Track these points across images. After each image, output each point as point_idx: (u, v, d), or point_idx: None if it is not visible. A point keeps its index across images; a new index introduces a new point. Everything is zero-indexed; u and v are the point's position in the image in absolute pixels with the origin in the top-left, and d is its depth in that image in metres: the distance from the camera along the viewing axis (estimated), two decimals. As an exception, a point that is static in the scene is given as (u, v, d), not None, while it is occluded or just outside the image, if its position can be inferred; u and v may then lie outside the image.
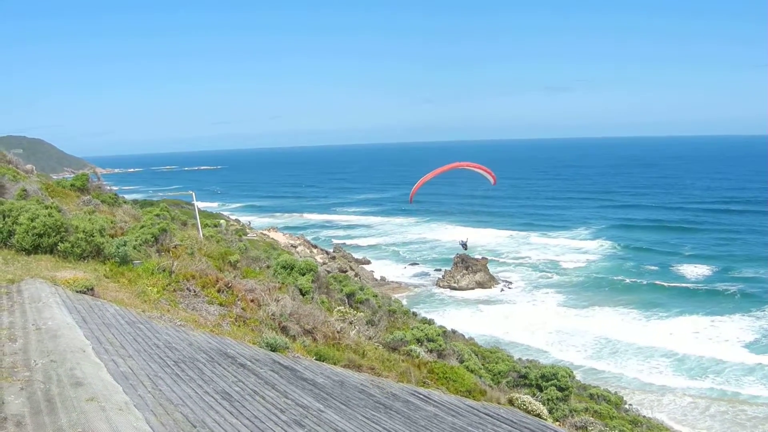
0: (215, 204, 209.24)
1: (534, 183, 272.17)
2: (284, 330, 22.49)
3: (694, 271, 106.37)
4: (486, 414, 20.73)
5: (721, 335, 75.32)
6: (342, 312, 29.00)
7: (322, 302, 30.53)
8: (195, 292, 22.57)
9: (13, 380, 10.14)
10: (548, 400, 31.63)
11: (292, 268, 32.78)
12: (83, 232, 23.33)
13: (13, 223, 23.03)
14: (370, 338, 27.41)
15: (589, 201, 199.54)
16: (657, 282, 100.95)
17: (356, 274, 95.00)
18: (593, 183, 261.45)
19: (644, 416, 41.93)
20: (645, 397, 59.88)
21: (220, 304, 22.38)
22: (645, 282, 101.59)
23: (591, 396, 39.80)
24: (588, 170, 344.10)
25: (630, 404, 45.82)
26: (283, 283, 29.28)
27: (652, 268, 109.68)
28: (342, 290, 37.64)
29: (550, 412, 27.43)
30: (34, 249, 22.73)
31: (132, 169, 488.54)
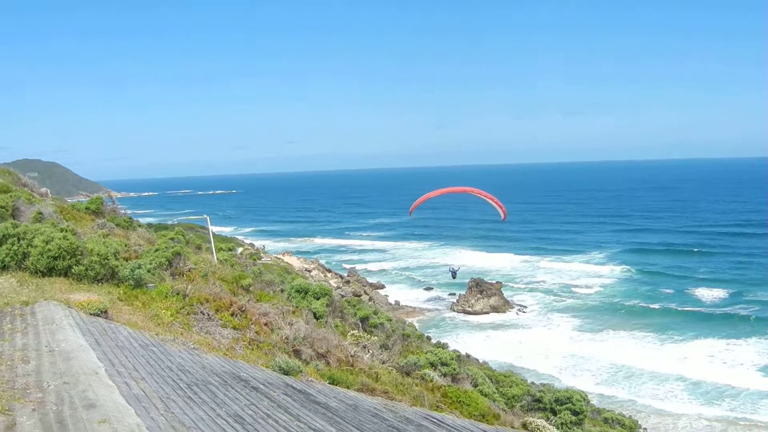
0: (229, 228, 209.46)
1: (548, 207, 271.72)
2: (297, 354, 22.48)
3: (709, 295, 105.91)
4: (500, 438, 20.65)
5: (736, 359, 74.97)
6: (356, 336, 28.98)
7: (336, 326, 30.53)
8: (209, 315, 22.58)
9: (26, 401, 10.14)
10: (562, 424, 31.54)
11: (306, 292, 32.81)
12: (98, 255, 23.37)
13: (27, 246, 23.08)
14: (383, 362, 27.38)
15: (603, 225, 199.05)
16: (671, 306, 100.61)
17: (370, 299, 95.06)
18: (607, 206, 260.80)
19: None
20: (660, 421, 59.54)
21: (234, 328, 22.37)
22: (659, 306, 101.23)
23: (605, 420, 39.66)
24: (601, 194, 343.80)
25: (644, 428, 45.58)
26: (297, 307, 29.29)
27: (667, 291, 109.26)
28: (356, 314, 37.64)
29: (564, 436, 27.35)
30: (49, 271, 22.76)
31: (147, 193, 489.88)
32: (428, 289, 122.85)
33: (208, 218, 52.86)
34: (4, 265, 22.73)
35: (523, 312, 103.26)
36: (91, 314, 17.99)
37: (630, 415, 46.16)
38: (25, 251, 23.03)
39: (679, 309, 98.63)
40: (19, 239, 23.25)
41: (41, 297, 18.95)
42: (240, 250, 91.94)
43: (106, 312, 18.59)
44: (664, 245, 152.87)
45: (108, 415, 9.71)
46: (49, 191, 49.51)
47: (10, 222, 25.23)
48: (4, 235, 23.25)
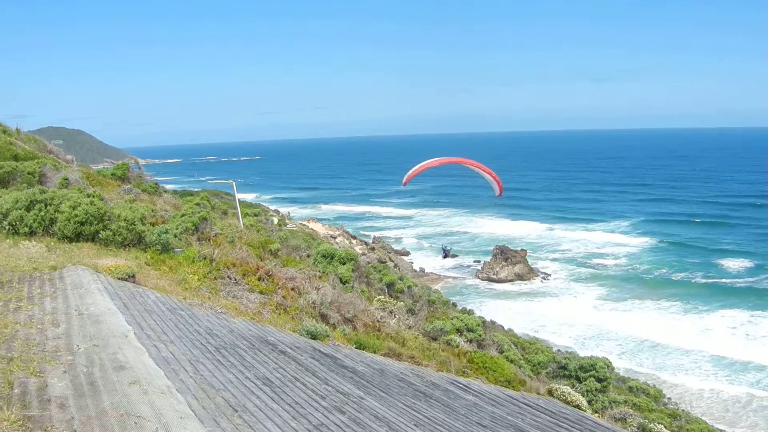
0: (253, 195, 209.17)
1: (572, 175, 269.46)
2: (324, 318, 22.54)
3: (734, 267, 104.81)
4: (525, 404, 20.67)
5: (761, 331, 74.46)
6: (382, 301, 29.02)
7: (362, 291, 30.53)
8: (235, 280, 22.66)
9: (56, 364, 10.21)
10: (587, 391, 31.49)
11: (332, 257, 32.83)
12: (125, 220, 23.47)
13: (55, 212, 23.20)
14: (410, 327, 27.41)
15: (627, 194, 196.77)
16: (696, 276, 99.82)
17: (395, 265, 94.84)
18: (631, 175, 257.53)
19: (683, 410, 41.59)
20: (684, 391, 59.38)
21: (261, 292, 22.44)
22: (684, 276, 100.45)
23: (630, 389, 39.55)
24: (626, 162, 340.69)
25: (669, 398, 45.44)
26: (323, 272, 29.32)
27: (691, 262, 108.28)
28: (382, 280, 37.61)
29: (589, 403, 27.31)
30: (76, 237, 22.89)
31: (171, 160, 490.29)
32: (453, 256, 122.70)
33: (234, 183, 52.78)
34: (32, 231, 22.88)
35: (548, 280, 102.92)
36: (118, 279, 18.08)
37: (654, 385, 45.97)
38: (53, 217, 23.16)
39: (703, 280, 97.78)
40: (46, 205, 23.39)
41: (69, 262, 19.06)
42: (276, 220, 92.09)
43: (133, 276, 18.68)
44: (687, 215, 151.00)
45: (138, 377, 9.77)
46: (74, 158, 49.64)
47: (38, 188, 25.36)
48: (31, 201, 23.38)
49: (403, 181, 42.32)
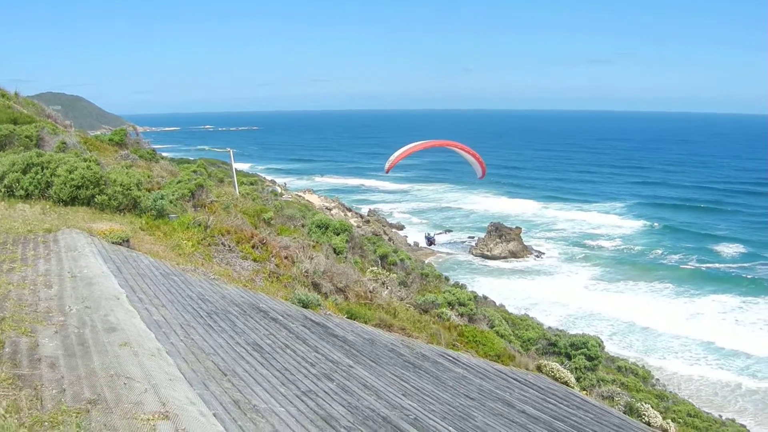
0: (249, 165, 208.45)
1: (570, 155, 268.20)
2: (317, 287, 22.63)
3: (728, 252, 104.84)
4: (514, 379, 20.82)
5: (750, 317, 74.63)
6: (375, 272, 29.11)
7: (356, 262, 30.63)
8: (229, 247, 22.73)
9: (48, 324, 10.26)
10: (576, 368, 31.66)
11: (326, 228, 32.91)
12: (120, 185, 23.49)
13: (51, 175, 23.19)
14: (401, 299, 27.51)
15: (623, 176, 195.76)
16: (690, 261, 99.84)
17: (390, 239, 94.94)
18: (628, 158, 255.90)
19: (671, 392, 41.78)
20: (673, 374, 59.56)
21: (254, 260, 22.52)
22: (677, 260, 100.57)
23: (619, 368, 39.76)
24: (624, 144, 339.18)
25: (657, 379, 45.61)
26: (317, 242, 29.41)
27: (685, 246, 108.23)
28: (375, 251, 37.71)
29: (577, 380, 27.48)
30: (72, 201, 22.90)
31: (169, 128, 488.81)
32: (447, 231, 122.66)
33: (231, 152, 52.79)
34: (28, 194, 22.87)
35: (541, 259, 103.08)
36: (113, 243, 18.11)
37: (643, 366, 46.10)
38: (49, 180, 23.15)
39: (697, 265, 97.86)
40: (42, 168, 23.37)
41: (64, 225, 19.08)
42: (279, 190, 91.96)
43: (128, 241, 18.72)
44: (682, 200, 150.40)
45: (129, 339, 9.83)
46: (72, 124, 49.63)
47: (35, 151, 25.33)
48: (28, 164, 23.37)
49: (386, 167, 41.22)
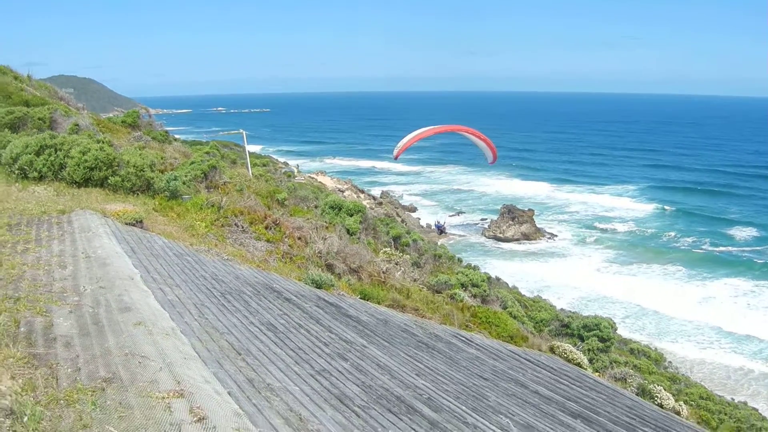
0: (260, 147, 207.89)
1: (582, 138, 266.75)
2: (330, 268, 22.65)
3: (740, 236, 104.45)
4: (527, 360, 20.82)
5: (763, 301, 74.32)
6: (388, 253, 29.13)
7: (369, 243, 30.64)
8: (243, 228, 22.75)
9: (63, 304, 10.29)
10: (589, 350, 31.66)
11: (340, 209, 32.91)
12: (134, 166, 23.54)
13: (64, 157, 23.25)
14: (414, 280, 27.52)
15: (636, 159, 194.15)
16: (702, 244, 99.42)
17: (402, 221, 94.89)
18: (641, 141, 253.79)
19: (683, 375, 41.68)
20: (685, 357, 59.43)
21: (268, 241, 22.55)
22: (689, 244, 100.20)
23: (631, 350, 39.71)
24: (636, 126, 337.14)
25: (669, 362, 45.53)
26: (330, 223, 29.42)
27: (698, 230, 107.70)
28: (389, 233, 37.70)
29: (590, 362, 27.47)
30: (85, 182, 22.97)
31: (181, 111, 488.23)
32: (460, 213, 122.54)
33: (244, 133, 52.70)
34: (42, 176, 22.95)
35: (554, 241, 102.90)
36: (126, 224, 18.16)
37: (656, 348, 46.01)
38: (62, 162, 23.22)
39: (710, 248, 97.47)
40: (56, 150, 23.44)
41: (77, 206, 19.14)
42: (294, 170, 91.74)
43: (141, 222, 18.77)
44: (695, 183, 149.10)
45: (143, 318, 9.85)
46: (84, 106, 49.66)
47: (48, 133, 25.41)
48: (41, 146, 23.43)
49: (395, 153, 40.41)
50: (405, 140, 38.42)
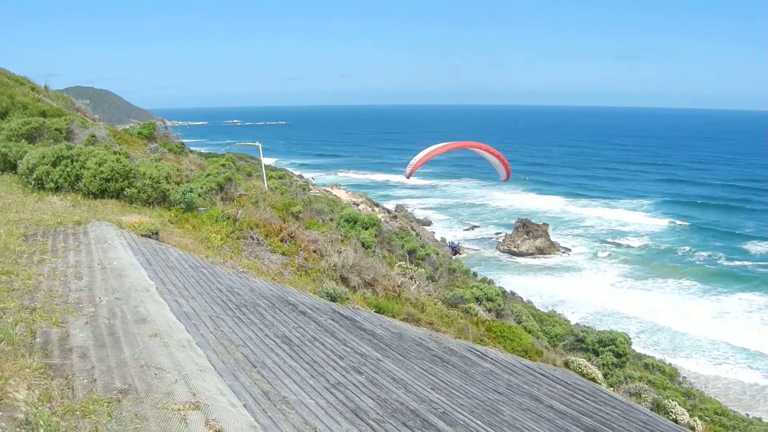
0: (275, 159, 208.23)
1: (596, 151, 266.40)
2: (345, 281, 22.65)
3: (755, 251, 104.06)
4: (541, 374, 20.78)
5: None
6: (403, 267, 29.13)
7: (384, 257, 30.67)
8: (258, 240, 22.79)
9: (79, 315, 10.32)
10: (604, 365, 31.62)
11: (355, 222, 32.97)
12: (150, 178, 23.59)
13: (81, 168, 23.30)
14: (429, 294, 27.52)
15: (651, 174, 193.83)
16: (717, 259, 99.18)
17: (417, 234, 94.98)
18: (655, 155, 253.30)
19: (697, 390, 41.59)
20: (700, 372, 59.30)
21: (283, 254, 22.59)
22: (704, 259, 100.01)
23: (646, 366, 39.64)
24: (651, 140, 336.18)
25: (684, 377, 45.43)
26: (345, 236, 29.45)
27: (713, 244, 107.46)
28: (403, 246, 37.71)
29: (605, 377, 27.42)
30: (101, 193, 23.02)
31: (197, 123, 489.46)
32: (474, 227, 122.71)
33: (260, 145, 52.81)
34: (58, 186, 23.00)
35: (569, 255, 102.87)
36: (142, 235, 18.21)
37: (670, 363, 45.93)
38: (78, 173, 23.27)
39: (725, 263, 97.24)
40: (72, 161, 23.49)
41: (93, 217, 19.19)
42: (312, 181, 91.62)
43: (157, 233, 18.81)
44: (710, 198, 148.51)
45: (159, 330, 9.87)
46: (101, 117, 49.84)
47: (65, 144, 25.48)
48: (58, 157, 23.49)
49: (407, 173, 39.47)
50: (417, 159, 37.70)
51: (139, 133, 43.81)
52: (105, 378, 7.75)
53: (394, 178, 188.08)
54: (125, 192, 23.14)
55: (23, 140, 28.18)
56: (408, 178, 39.80)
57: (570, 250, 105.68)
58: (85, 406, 6.84)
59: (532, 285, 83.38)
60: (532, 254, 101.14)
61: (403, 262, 31.31)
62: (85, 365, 8.14)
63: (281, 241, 23.44)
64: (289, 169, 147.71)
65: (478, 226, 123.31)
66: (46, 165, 23.20)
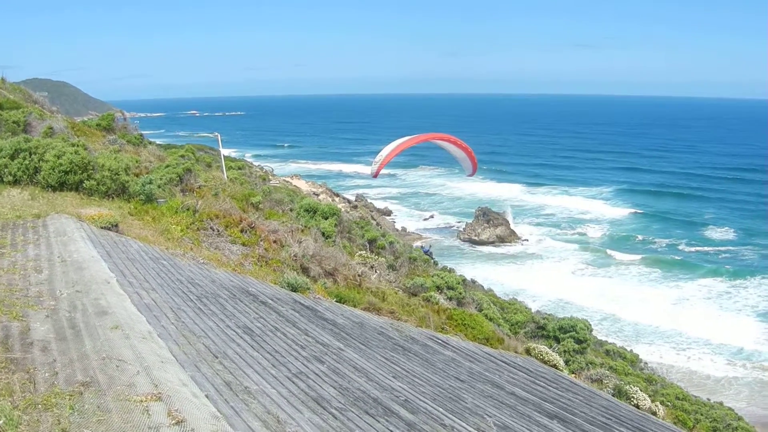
0: (233, 150, 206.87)
1: (557, 140, 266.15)
2: (305, 271, 22.67)
3: (714, 238, 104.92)
4: (503, 361, 20.89)
5: (738, 304, 74.97)
6: (363, 256, 29.15)
7: (344, 246, 30.64)
8: (218, 231, 22.76)
9: (39, 308, 10.30)
10: (565, 351, 31.75)
11: (315, 212, 32.90)
12: (109, 170, 23.47)
13: (39, 160, 23.16)
14: (390, 283, 27.57)
15: (609, 162, 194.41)
16: (676, 247, 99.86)
17: (377, 224, 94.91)
18: (614, 143, 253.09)
19: (659, 375, 41.90)
20: (661, 357, 59.80)
21: (243, 244, 22.57)
22: (664, 246, 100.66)
23: (607, 352, 39.86)
24: (611, 128, 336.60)
25: (645, 363, 45.75)
26: (306, 226, 29.42)
27: (672, 232, 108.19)
28: (364, 236, 37.63)
29: (566, 363, 27.56)
30: (60, 186, 22.89)
31: (155, 114, 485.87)
32: (435, 216, 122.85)
33: (218, 136, 52.57)
34: (16, 180, 22.85)
35: (529, 243, 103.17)
36: (102, 228, 18.13)
37: (631, 350, 46.18)
38: (37, 166, 23.13)
39: (685, 249, 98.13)
40: (30, 154, 23.34)
41: (53, 210, 19.09)
42: (272, 169, 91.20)
43: (116, 226, 18.74)
44: (668, 186, 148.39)
45: (120, 322, 9.86)
46: (59, 109, 49.47)
47: (22, 137, 25.31)
48: (16, 150, 23.33)
49: (374, 172, 36.88)
50: (382, 156, 35.44)
51: (97, 125, 43.52)
52: (67, 371, 7.75)
53: (354, 168, 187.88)
54: (84, 184, 23.01)
55: (-21, 133, 27.99)
56: (375, 177, 37.40)
57: (530, 238, 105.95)
58: (47, 400, 6.84)
59: (493, 273, 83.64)
60: (492, 243, 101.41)
61: (364, 252, 31.33)
62: (47, 358, 8.14)
63: (241, 231, 23.42)
64: (249, 160, 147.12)
65: (439, 215, 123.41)
66: (4, 158, 23.04)
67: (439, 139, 39.05)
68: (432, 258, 45.54)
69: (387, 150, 36.60)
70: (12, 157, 23.14)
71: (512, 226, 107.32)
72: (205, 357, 10.02)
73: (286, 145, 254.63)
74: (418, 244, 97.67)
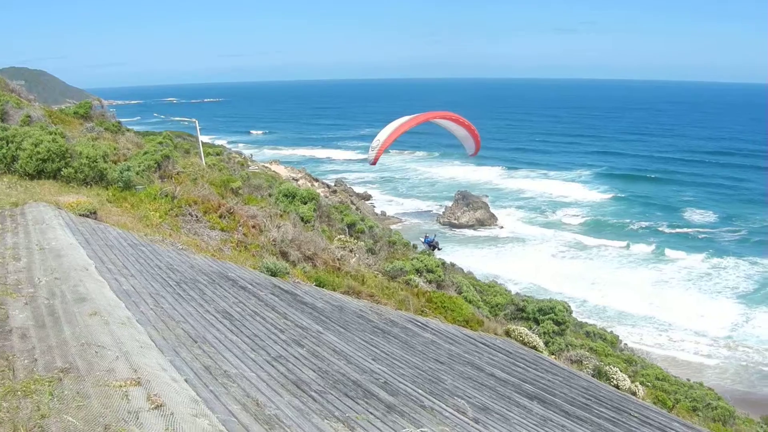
0: (212, 136, 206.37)
1: (536, 123, 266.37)
2: (285, 256, 22.68)
3: (693, 220, 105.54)
4: (483, 343, 20.99)
5: (718, 285, 75.45)
6: (342, 240, 29.17)
7: (323, 231, 30.64)
8: (197, 217, 22.74)
9: (18, 296, 10.28)
10: (544, 333, 31.84)
11: (294, 197, 32.86)
12: (87, 157, 23.40)
13: (16, 149, 23.07)
14: (369, 266, 27.61)
15: (588, 145, 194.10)
16: (656, 228, 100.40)
17: (357, 208, 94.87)
18: (592, 127, 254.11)
19: (639, 356, 42.08)
20: (641, 338, 60.08)
21: (222, 230, 22.57)
22: (643, 229, 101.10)
23: (587, 333, 40.00)
24: (590, 112, 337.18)
25: (625, 344, 45.98)
26: (284, 211, 29.43)
27: (651, 214, 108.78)
28: (343, 220, 37.61)
29: (546, 345, 27.67)
30: (38, 174, 22.82)
31: (133, 101, 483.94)
32: (414, 199, 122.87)
33: (197, 122, 52.45)
34: (-7, 168, 22.78)
35: (509, 227, 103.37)
36: (80, 215, 18.11)
37: (612, 331, 46.38)
38: (14, 154, 23.03)
39: (666, 231, 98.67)
40: (7, 142, 23.24)
41: (30, 198, 19.04)
42: (249, 155, 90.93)
43: (95, 213, 18.72)
44: (646, 169, 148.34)
45: (99, 309, 9.87)
46: (36, 98, 49.24)
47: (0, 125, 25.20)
48: (-8, 138, 23.25)
49: (372, 159, 33.35)
50: (381, 140, 31.64)
51: (75, 113, 43.32)
52: (46, 357, 7.76)
53: (333, 153, 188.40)
54: (62, 172, 22.95)
55: (-44, 122, 27.86)
56: (374, 164, 33.51)
57: (509, 221, 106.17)
58: (26, 386, 6.86)
59: (473, 256, 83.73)
60: (472, 226, 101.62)
61: (343, 236, 31.32)
62: (26, 345, 8.15)
63: (220, 217, 23.41)
64: (228, 146, 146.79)
65: (418, 199, 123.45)
66: (-19, 147, 22.98)
67: (440, 118, 37.29)
68: (438, 248, 43.75)
69: (385, 134, 33.30)
70: (-11, 146, 23.08)
71: (491, 210, 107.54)
72: (184, 342, 10.05)
73: (262, 132, 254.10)
74: (419, 239, 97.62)
